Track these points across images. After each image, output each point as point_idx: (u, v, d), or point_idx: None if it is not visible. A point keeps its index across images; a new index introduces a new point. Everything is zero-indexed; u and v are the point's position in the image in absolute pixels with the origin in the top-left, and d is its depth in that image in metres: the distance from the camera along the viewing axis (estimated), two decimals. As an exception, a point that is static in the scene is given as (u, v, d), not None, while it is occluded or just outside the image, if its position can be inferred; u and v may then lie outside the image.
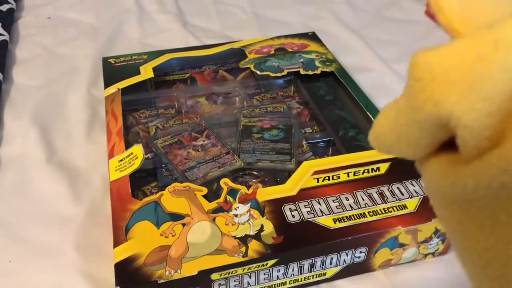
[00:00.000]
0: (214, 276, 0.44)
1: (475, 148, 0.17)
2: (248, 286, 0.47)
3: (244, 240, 0.46)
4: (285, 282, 0.49)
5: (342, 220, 0.48)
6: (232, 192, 0.51)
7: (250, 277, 0.46)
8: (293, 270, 0.48)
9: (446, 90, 0.16)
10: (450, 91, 0.16)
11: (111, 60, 0.75)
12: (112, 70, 0.72)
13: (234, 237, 0.46)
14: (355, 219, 0.48)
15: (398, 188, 0.51)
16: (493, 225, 0.16)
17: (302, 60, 0.74)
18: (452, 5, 0.19)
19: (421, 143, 0.19)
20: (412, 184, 0.51)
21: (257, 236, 0.47)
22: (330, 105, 0.68)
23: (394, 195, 0.50)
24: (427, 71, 0.17)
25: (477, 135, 0.16)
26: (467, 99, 0.16)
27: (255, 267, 0.46)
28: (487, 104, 0.16)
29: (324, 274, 0.49)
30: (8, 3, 0.95)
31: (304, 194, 0.51)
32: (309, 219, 0.48)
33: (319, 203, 0.50)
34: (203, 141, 0.62)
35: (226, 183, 0.52)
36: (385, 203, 0.50)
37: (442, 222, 0.19)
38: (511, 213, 0.16)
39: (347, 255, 0.48)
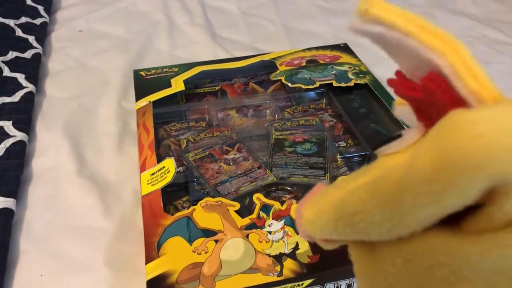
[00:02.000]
0: (248, 295, 0.43)
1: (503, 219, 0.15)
2: (282, 306, 0.45)
3: (278, 258, 0.45)
4: (321, 303, 0.47)
5: (381, 239, 0.46)
6: (265, 208, 0.50)
7: (285, 297, 0.45)
8: (329, 291, 0.46)
9: (503, 152, 0.15)
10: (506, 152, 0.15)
11: (142, 73, 0.75)
12: (143, 83, 0.72)
13: (269, 255, 0.45)
14: (394, 238, 0.46)
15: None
16: None
17: (334, 72, 0.72)
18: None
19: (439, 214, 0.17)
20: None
21: (292, 255, 0.45)
22: (364, 118, 0.67)
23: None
24: (478, 132, 0.15)
25: None
26: None
27: (290, 287, 0.44)
28: None
29: (362, 295, 0.47)
30: (42, 16, 0.97)
31: (341, 211, 0.49)
32: (346, 238, 0.46)
33: (356, 220, 0.48)
34: (235, 154, 0.60)
35: (259, 198, 0.51)
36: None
37: None
38: None
39: (385, 275, 0.46)
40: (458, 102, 0.18)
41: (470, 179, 0.15)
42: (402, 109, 0.21)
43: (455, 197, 0.16)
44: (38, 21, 0.95)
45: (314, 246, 0.46)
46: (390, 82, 0.21)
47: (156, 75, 0.74)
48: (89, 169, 0.65)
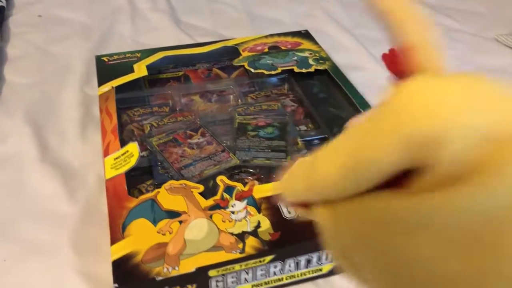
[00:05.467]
0: (211, 272, 0.45)
1: (445, 175, 0.16)
2: (245, 282, 0.47)
3: (241, 236, 0.47)
4: (282, 278, 0.49)
5: (338, 216, 0.48)
6: (229, 189, 0.52)
7: (247, 273, 0.46)
8: (289, 266, 0.48)
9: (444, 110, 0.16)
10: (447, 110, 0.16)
11: (104, 58, 0.74)
12: (106, 68, 0.72)
13: (231, 233, 0.47)
14: (351, 215, 0.48)
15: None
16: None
17: (296, 58, 0.74)
18: None
19: (384, 170, 0.17)
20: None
21: (254, 233, 0.47)
22: (324, 103, 0.69)
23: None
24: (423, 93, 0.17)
25: (462, 158, 0.16)
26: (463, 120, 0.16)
27: (253, 263, 0.46)
28: (480, 132, 0.16)
29: (320, 270, 0.50)
30: (-1, 1, 0.95)
31: (300, 191, 0.51)
32: (306, 216, 0.48)
33: (315, 199, 0.50)
34: (198, 139, 0.62)
35: (222, 180, 0.52)
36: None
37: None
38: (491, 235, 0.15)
39: (343, 250, 0.49)
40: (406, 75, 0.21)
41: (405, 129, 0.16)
42: None
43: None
44: (-6, 6, 0.92)
45: (275, 224, 0.48)
46: (382, 57, 0.23)
47: (119, 61, 0.74)
48: (52, 155, 0.65)
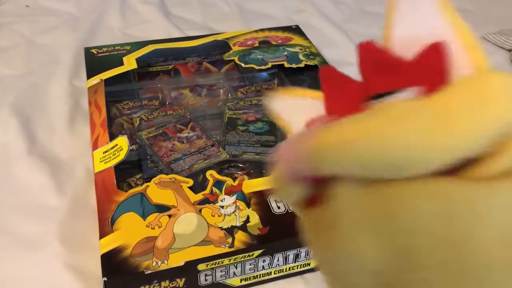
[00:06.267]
0: (200, 266, 0.45)
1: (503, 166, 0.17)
2: (234, 276, 0.48)
3: (230, 231, 0.47)
4: (270, 272, 0.49)
5: (326, 212, 0.49)
6: (218, 184, 0.52)
7: (236, 267, 0.47)
8: (278, 261, 0.48)
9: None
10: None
11: (93, 51, 0.74)
12: (95, 61, 0.72)
13: (221, 228, 0.47)
14: (339, 210, 0.49)
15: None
16: None
17: (286, 53, 0.74)
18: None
19: None
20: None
21: (243, 227, 0.47)
22: (314, 98, 0.69)
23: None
24: None
25: None
26: None
27: (241, 257, 0.46)
28: None
29: (309, 264, 0.50)
30: (-15, -10, 0.93)
31: (289, 186, 0.51)
32: (294, 211, 0.49)
33: (304, 194, 0.50)
34: (188, 133, 0.62)
35: (212, 175, 0.53)
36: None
37: None
38: None
39: (331, 245, 0.49)
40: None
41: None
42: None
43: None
44: (-19, -5, 0.91)
45: (264, 219, 0.48)
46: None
47: (108, 53, 0.73)
48: (40, 147, 0.64)
